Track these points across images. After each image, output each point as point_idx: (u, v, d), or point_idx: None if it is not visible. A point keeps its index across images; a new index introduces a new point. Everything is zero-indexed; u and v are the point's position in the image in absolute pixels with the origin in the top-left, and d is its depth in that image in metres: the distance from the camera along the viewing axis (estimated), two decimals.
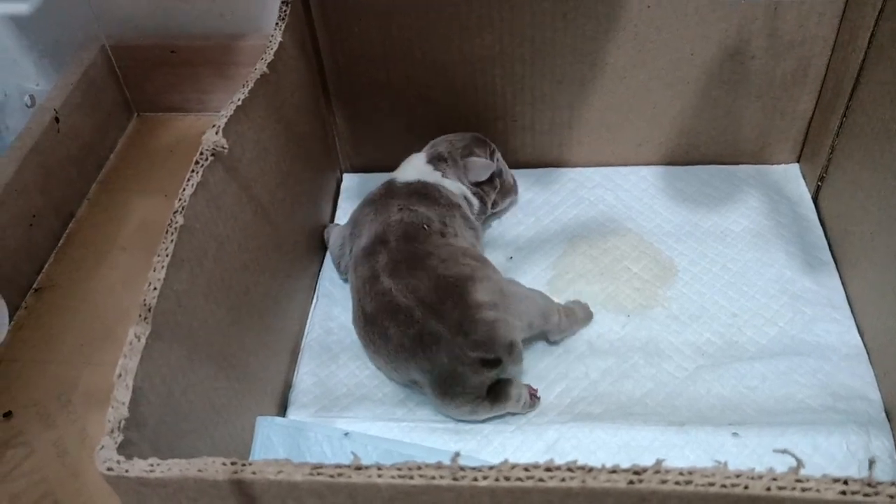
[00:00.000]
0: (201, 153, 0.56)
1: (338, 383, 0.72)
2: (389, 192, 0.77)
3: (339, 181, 0.94)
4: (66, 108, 0.94)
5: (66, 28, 0.97)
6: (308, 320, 0.79)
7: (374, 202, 0.77)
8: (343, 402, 0.71)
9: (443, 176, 0.79)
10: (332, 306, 0.79)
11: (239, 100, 0.62)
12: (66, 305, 0.85)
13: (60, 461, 0.71)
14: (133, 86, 1.06)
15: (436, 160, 0.80)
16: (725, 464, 0.37)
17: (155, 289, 0.49)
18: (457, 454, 0.38)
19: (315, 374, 0.73)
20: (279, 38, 0.70)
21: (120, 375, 0.45)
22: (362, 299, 0.69)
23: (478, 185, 0.81)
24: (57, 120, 0.92)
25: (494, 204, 0.84)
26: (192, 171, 0.55)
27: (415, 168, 0.80)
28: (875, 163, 0.71)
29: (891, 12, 0.69)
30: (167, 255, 0.50)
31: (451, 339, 0.63)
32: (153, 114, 1.09)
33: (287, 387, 0.73)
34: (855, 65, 0.75)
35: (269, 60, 0.68)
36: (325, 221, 0.87)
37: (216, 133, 0.57)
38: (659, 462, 0.38)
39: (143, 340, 0.46)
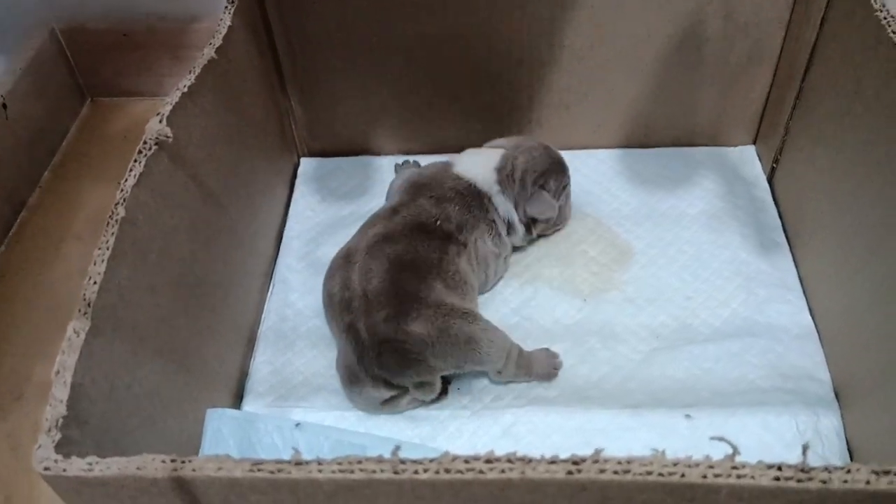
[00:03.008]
0: (144, 142, 0.55)
1: (294, 372, 0.72)
2: (439, 176, 0.74)
3: (297, 166, 0.92)
4: (15, 94, 0.92)
5: (13, 12, 0.95)
6: (264, 308, 0.78)
7: (424, 176, 0.75)
8: (300, 392, 0.70)
9: (500, 191, 0.74)
10: (289, 293, 0.78)
11: (185, 86, 0.61)
12: (18, 297, 0.84)
13: (13, 455, 0.70)
14: (85, 70, 1.03)
15: (505, 175, 0.74)
16: (663, 452, 0.38)
17: (95, 283, 0.48)
18: (397, 447, 0.38)
19: (271, 362, 0.73)
20: (228, 22, 0.68)
21: (58, 372, 0.44)
22: (345, 249, 0.71)
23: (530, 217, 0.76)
24: (4, 106, 0.90)
25: (541, 231, 0.79)
26: (135, 160, 0.54)
27: (478, 169, 0.75)
28: (827, 144, 0.71)
29: None
30: (107, 249, 0.49)
31: (367, 348, 0.64)
32: (107, 98, 1.07)
33: (243, 376, 0.72)
34: (807, 47, 0.75)
35: (217, 45, 0.66)
36: (281, 206, 0.86)
37: (160, 122, 0.56)
38: (598, 451, 0.38)
39: (83, 336, 0.46)
